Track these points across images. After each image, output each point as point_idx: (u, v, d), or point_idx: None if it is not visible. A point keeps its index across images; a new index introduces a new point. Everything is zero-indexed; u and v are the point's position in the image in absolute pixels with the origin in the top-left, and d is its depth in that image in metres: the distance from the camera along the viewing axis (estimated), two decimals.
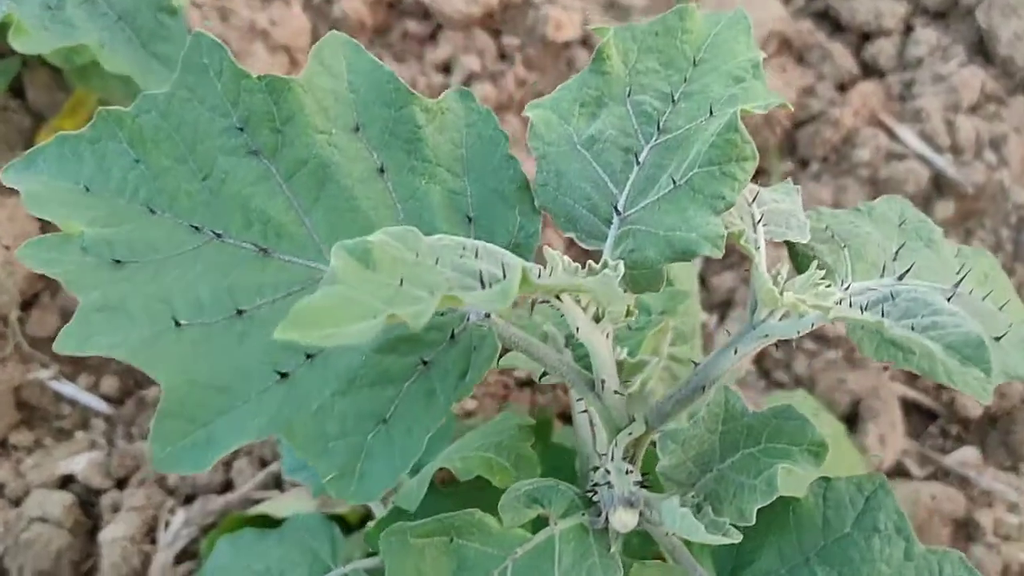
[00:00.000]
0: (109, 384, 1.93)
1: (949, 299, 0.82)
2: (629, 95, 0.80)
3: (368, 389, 0.74)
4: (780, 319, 0.75)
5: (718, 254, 0.70)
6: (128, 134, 0.82)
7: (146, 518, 1.75)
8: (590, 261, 0.73)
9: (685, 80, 0.80)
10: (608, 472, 0.80)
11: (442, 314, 0.78)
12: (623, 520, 0.78)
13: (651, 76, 0.80)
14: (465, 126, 0.84)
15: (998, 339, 0.79)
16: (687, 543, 0.87)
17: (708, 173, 0.72)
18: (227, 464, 1.81)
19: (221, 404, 0.74)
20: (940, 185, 2.16)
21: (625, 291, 0.75)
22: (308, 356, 0.75)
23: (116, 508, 1.77)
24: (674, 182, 0.74)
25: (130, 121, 0.82)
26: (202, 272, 0.80)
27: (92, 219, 0.81)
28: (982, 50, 2.39)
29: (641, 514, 0.80)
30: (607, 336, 0.77)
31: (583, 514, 0.81)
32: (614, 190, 0.79)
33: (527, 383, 1.87)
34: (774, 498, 0.75)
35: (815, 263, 0.76)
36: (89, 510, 1.77)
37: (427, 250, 0.68)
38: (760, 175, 2.28)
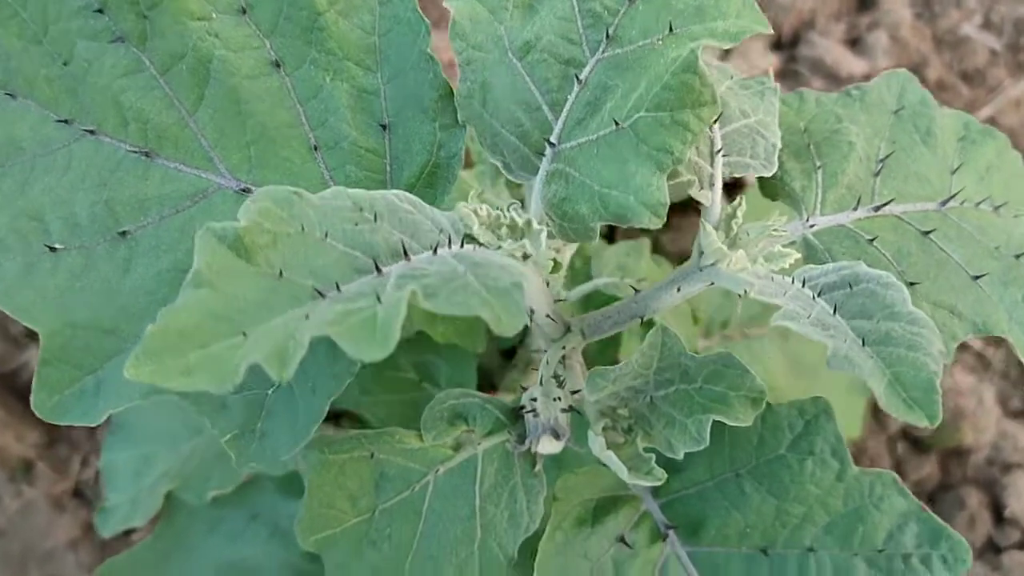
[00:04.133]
0: None
1: (928, 232, 0.73)
2: None
3: None
4: (728, 267, 0.66)
5: (657, 224, 0.60)
6: None
7: None
8: (513, 215, 0.63)
9: None
10: (535, 399, 0.76)
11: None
12: (547, 448, 0.75)
13: None
14: (379, 4, 0.69)
15: (976, 278, 0.71)
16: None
17: (656, 120, 0.59)
18: None
19: (108, 347, 0.67)
20: None
21: (551, 236, 0.66)
22: None
23: None
24: (616, 123, 0.61)
25: None
26: (77, 179, 0.69)
27: None
28: None
29: (567, 440, 0.77)
30: (536, 266, 0.69)
31: (508, 431, 0.78)
32: (549, 116, 0.65)
33: None
34: (702, 446, 0.72)
35: (776, 213, 0.66)
36: None
37: (314, 219, 0.58)
38: None
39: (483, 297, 0.53)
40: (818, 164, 0.72)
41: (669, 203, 0.60)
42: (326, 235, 0.58)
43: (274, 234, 0.57)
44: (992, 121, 1.79)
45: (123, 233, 0.69)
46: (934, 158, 0.77)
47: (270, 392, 0.67)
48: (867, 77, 1.79)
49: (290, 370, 0.49)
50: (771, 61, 1.75)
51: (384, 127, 0.70)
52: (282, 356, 0.50)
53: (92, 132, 0.70)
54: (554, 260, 0.65)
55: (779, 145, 0.69)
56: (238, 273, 0.55)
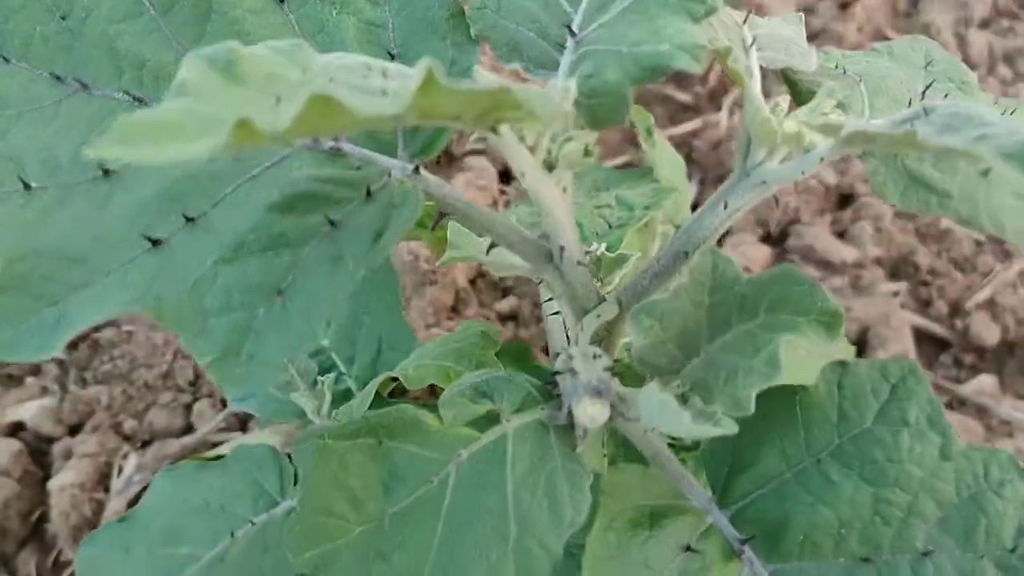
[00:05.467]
0: None
1: None
2: None
3: (259, 256, 0.58)
4: (780, 162, 0.59)
5: (696, 67, 0.54)
6: None
7: (98, 464, 1.63)
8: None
9: None
10: (571, 358, 0.65)
11: (357, 168, 0.62)
12: (590, 413, 0.63)
13: None
14: None
15: None
16: (673, 447, 0.72)
17: None
18: (187, 407, 1.70)
19: (76, 278, 0.58)
20: None
21: (582, 128, 0.60)
22: (188, 219, 0.60)
23: (68, 455, 1.65)
24: None
25: None
26: (63, 128, 0.64)
27: None
28: None
29: (613, 407, 0.65)
30: (563, 189, 0.62)
31: (542, 408, 0.66)
32: (567, 8, 0.62)
33: (510, 317, 1.73)
34: (776, 380, 0.59)
35: (823, 91, 0.60)
36: (40, 459, 1.66)
37: (318, 68, 0.53)
38: None
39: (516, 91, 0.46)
40: (858, 79, 0.67)
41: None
42: (331, 79, 0.52)
43: (271, 73, 0.51)
44: (992, 303, 1.76)
45: (107, 172, 0.63)
46: (976, 104, 0.72)
47: (260, 312, 0.57)
48: (859, 264, 1.79)
49: (282, 122, 0.41)
50: (764, 252, 1.75)
51: (392, 56, 0.66)
52: (274, 120, 0.42)
53: (85, 87, 0.66)
54: (585, 146, 0.58)
55: (815, 53, 0.65)
56: (229, 92, 0.48)
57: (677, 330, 0.64)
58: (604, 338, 0.68)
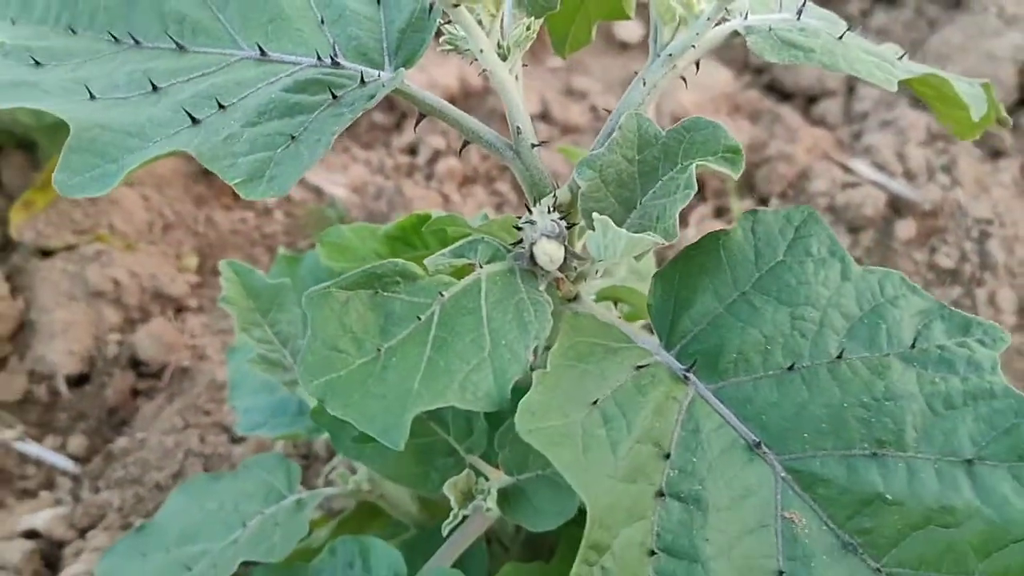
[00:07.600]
0: (77, 444, 1.89)
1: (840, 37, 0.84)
2: None
3: (278, 120, 0.75)
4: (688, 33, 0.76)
5: None
6: None
7: None
8: None
9: None
10: (531, 211, 0.79)
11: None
12: (547, 251, 0.76)
13: None
14: None
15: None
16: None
17: None
18: None
19: (132, 144, 0.74)
20: (898, 206, 2.21)
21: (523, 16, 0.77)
22: (221, 106, 0.76)
23: (79, 554, 1.70)
24: None
25: None
26: (118, 66, 0.82)
27: (15, 37, 0.85)
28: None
29: (567, 256, 0.78)
30: (516, 77, 0.78)
31: (509, 257, 0.79)
32: None
33: None
34: (692, 194, 0.73)
35: None
36: (52, 563, 1.70)
37: None
38: (722, 213, 2.33)
39: None
40: None
41: None
42: None
43: None
44: None
45: (155, 88, 0.80)
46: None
47: (278, 151, 0.72)
48: None
49: None
50: None
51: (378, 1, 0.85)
52: None
53: (137, 43, 0.85)
54: (527, 25, 0.75)
55: None
56: None
57: (614, 180, 0.78)
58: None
